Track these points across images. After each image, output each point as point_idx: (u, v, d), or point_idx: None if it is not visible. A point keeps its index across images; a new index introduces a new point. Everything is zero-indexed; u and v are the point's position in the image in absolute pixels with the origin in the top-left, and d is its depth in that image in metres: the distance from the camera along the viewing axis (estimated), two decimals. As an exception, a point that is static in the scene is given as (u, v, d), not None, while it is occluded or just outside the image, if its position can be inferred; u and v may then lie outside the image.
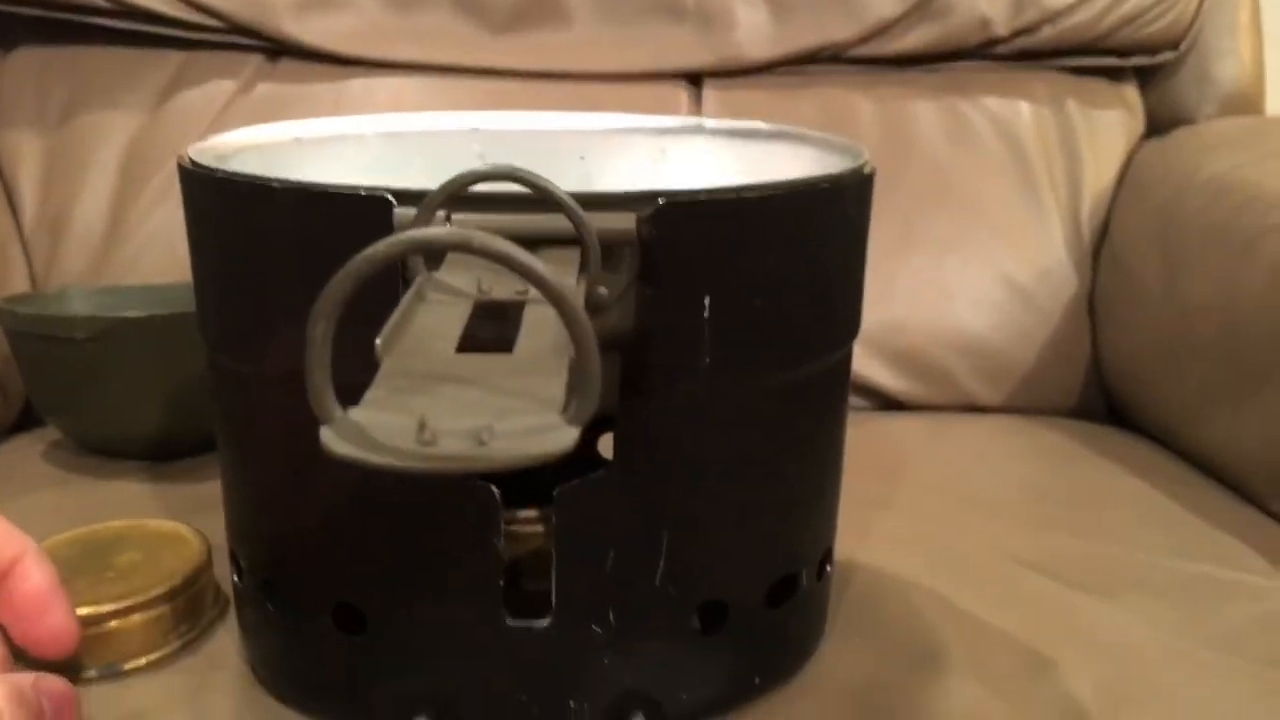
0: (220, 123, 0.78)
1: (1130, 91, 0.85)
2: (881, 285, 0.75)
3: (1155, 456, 0.68)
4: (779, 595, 0.40)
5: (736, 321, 0.34)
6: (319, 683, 0.39)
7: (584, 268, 0.31)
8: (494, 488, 0.34)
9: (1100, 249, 0.80)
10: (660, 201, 0.32)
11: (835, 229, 0.37)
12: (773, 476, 0.38)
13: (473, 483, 0.34)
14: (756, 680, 0.41)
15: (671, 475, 0.35)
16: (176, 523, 0.49)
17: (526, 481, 0.42)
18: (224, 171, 0.36)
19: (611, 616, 0.36)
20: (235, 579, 0.42)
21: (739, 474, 0.37)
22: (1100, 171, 0.81)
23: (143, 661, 0.43)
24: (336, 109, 0.79)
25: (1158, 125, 0.86)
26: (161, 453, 0.64)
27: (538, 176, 0.30)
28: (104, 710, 0.40)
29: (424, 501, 0.35)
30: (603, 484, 0.35)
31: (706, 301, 0.33)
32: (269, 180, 0.34)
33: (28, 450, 0.68)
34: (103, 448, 0.64)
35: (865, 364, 0.75)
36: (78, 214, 0.77)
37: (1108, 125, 0.83)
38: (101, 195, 0.77)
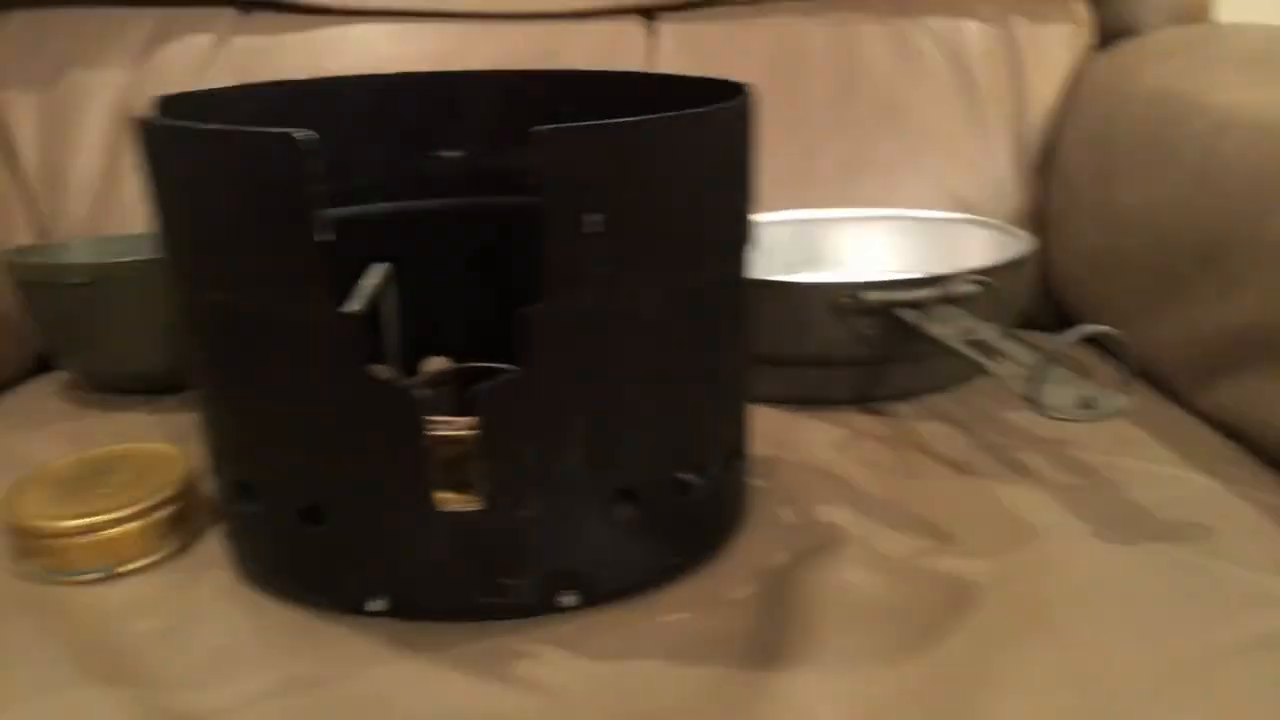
0: (202, 77, 0.83)
1: (1079, 6, 0.87)
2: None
3: (1091, 362, 0.72)
4: (684, 486, 0.45)
5: (628, 236, 0.39)
6: (291, 574, 0.45)
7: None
8: (414, 397, 0.39)
9: (1046, 164, 0.83)
10: (550, 132, 0.36)
11: (711, 154, 0.41)
12: (677, 370, 0.43)
13: (394, 390, 0.39)
14: (675, 561, 0.46)
15: (578, 372, 0.40)
16: (167, 445, 0.55)
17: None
18: (171, 122, 0.40)
19: (536, 502, 0.42)
20: (216, 487, 0.47)
21: (644, 369, 0.41)
22: (1045, 87, 0.84)
23: (138, 564, 0.49)
24: (309, 58, 0.83)
25: (1107, 38, 0.88)
26: (159, 387, 0.69)
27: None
28: (102, 604, 0.46)
29: (358, 407, 0.40)
30: (514, 383, 0.40)
31: (600, 218, 0.38)
32: (206, 126, 0.38)
33: (43, 390, 0.74)
34: (107, 385, 0.70)
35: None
36: (74, 168, 0.82)
37: (1054, 40, 0.85)
38: (95, 149, 0.82)
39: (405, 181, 0.55)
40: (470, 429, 0.48)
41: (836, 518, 0.50)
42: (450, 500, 0.43)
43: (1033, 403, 0.48)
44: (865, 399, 0.63)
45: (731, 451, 0.47)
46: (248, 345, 0.41)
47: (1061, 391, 0.48)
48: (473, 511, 0.42)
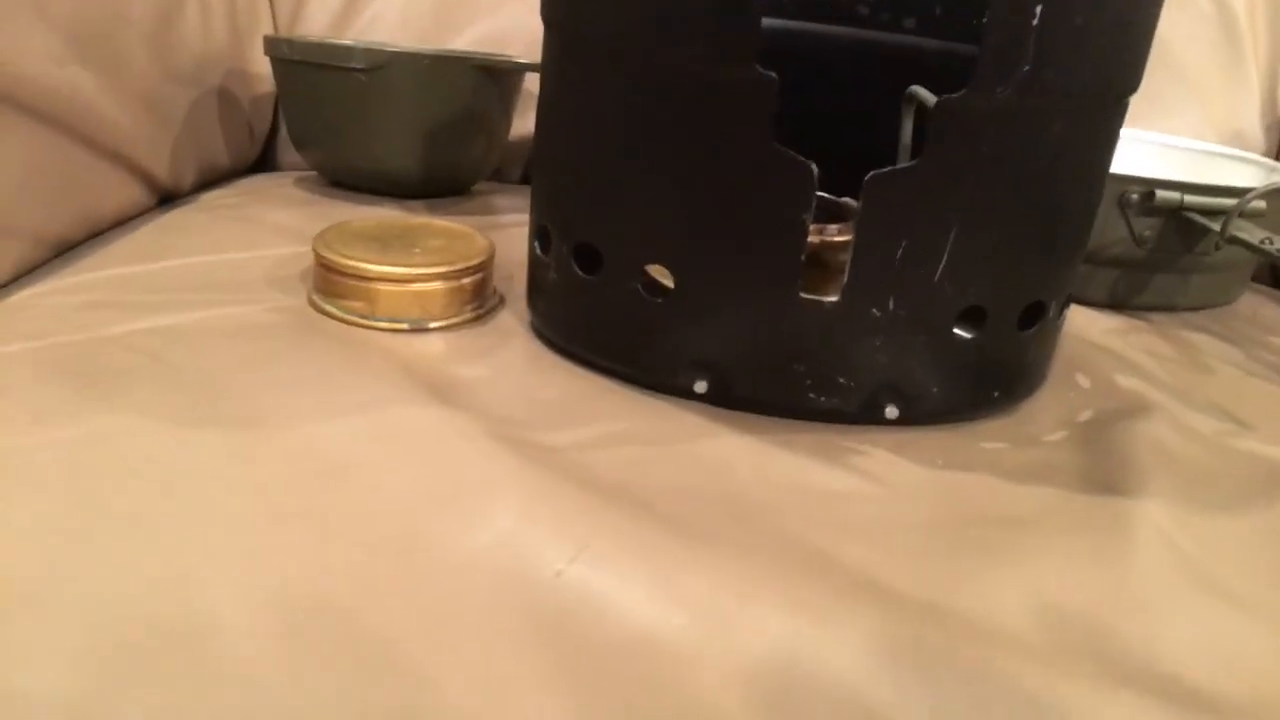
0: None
1: (1343, -29, 0.85)
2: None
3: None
4: (1029, 319, 0.44)
5: (1057, 39, 0.38)
6: (612, 342, 0.45)
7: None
8: (813, 166, 0.39)
9: (1291, 121, 0.81)
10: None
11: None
12: (1050, 199, 0.42)
13: (793, 159, 0.39)
14: (995, 394, 0.46)
15: (970, 175, 0.40)
16: (463, 225, 0.55)
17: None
18: None
19: (891, 303, 0.41)
20: (539, 253, 0.48)
21: (1023, 188, 0.41)
22: (1304, 45, 0.82)
23: (443, 323, 0.49)
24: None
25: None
26: (409, 191, 0.70)
27: None
28: (417, 350, 0.47)
29: (748, 175, 0.40)
30: (910, 175, 0.39)
31: (1038, 10, 0.37)
32: None
33: (276, 181, 0.75)
34: (352, 182, 0.71)
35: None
36: (321, -23, 0.82)
37: (1318, 0, 0.83)
38: (343, -38, 0.82)
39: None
40: (814, 234, 0.48)
41: (1133, 389, 0.50)
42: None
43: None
44: (1120, 305, 0.63)
45: (1067, 299, 0.47)
46: (644, 102, 0.41)
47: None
48: (828, 301, 0.41)
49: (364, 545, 0.33)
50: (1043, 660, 0.31)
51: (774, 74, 0.38)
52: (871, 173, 0.39)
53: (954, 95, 0.38)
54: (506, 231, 0.66)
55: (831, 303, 0.41)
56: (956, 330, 0.43)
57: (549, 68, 0.45)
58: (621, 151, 0.42)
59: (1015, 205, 0.41)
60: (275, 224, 0.63)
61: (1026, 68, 0.38)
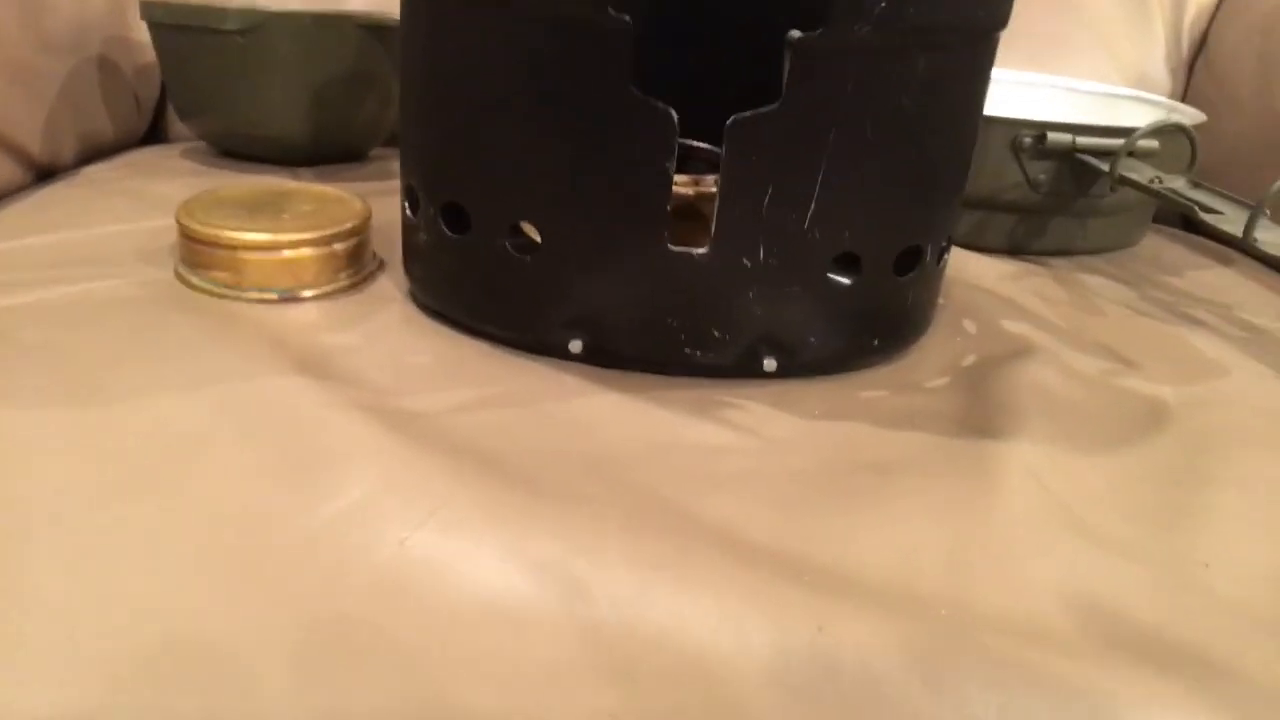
0: None
1: (1246, -92, 0.85)
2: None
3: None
4: (905, 264, 0.44)
5: (914, -26, 0.37)
6: (486, 304, 0.44)
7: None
8: (673, 111, 0.38)
9: (1195, 60, 0.81)
10: None
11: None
12: (918, 139, 0.41)
13: (653, 105, 0.38)
14: (875, 343, 0.45)
15: (833, 116, 0.39)
16: (340, 189, 0.53)
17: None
18: None
19: (761, 252, 0.40)
20: (409, 215, 0.46)
21: (890, 129, 0.40)
22: (1208, -16, 0.82)
23: (316, 291, 0.48)
24: None
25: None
26: (297, 158, 0.67)
27: None
28: (285, 319, 0.45)
29: (608, 124, 0.39)
30: (772, 118, 0.38)
31: (892, -54, 0.36)
32: None
33: (164, 152, 0.72)
34: (242, 151, 0.68)
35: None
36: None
37: (1220, -62, 0.83)
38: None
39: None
40: (688, 185, 0.47)
41: (1020, 332, 0.50)
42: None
43: (1248, 243, 0.47)
44: (1019, 250, 0.62)
45: (944, 243, 0.46)
46: (500, 50, 0.39)
47: (1273, 235, 0.47)
48: (698, 253, 0.40)
49: (204, 520, 0.32)
50: (893, 607, 0.30)
51: (627, 17, 0.37)
52: (733, 116, 0.38)
53: (811, 34, 0.37)
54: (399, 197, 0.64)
55: (701, 254, 0.40)
56: (831, 278, 0.42)
57: (406, 16, 0.44)
58: (480, 104, 0.41)
59: (883, 147, 0.41)
60: (156, 196, 0.61)
61: (883, 4, 0.37)
